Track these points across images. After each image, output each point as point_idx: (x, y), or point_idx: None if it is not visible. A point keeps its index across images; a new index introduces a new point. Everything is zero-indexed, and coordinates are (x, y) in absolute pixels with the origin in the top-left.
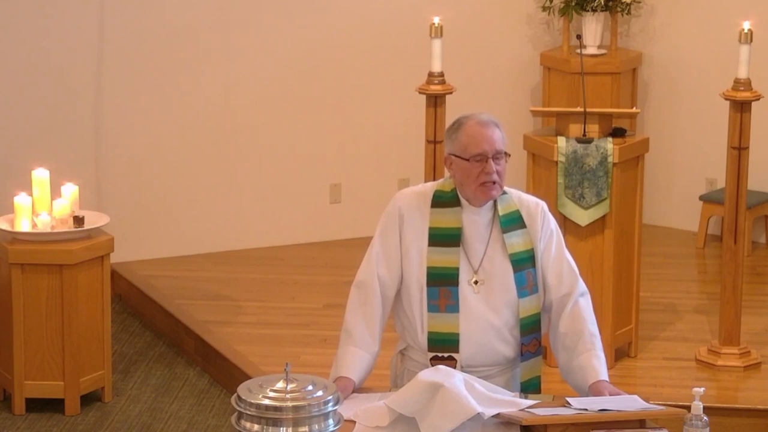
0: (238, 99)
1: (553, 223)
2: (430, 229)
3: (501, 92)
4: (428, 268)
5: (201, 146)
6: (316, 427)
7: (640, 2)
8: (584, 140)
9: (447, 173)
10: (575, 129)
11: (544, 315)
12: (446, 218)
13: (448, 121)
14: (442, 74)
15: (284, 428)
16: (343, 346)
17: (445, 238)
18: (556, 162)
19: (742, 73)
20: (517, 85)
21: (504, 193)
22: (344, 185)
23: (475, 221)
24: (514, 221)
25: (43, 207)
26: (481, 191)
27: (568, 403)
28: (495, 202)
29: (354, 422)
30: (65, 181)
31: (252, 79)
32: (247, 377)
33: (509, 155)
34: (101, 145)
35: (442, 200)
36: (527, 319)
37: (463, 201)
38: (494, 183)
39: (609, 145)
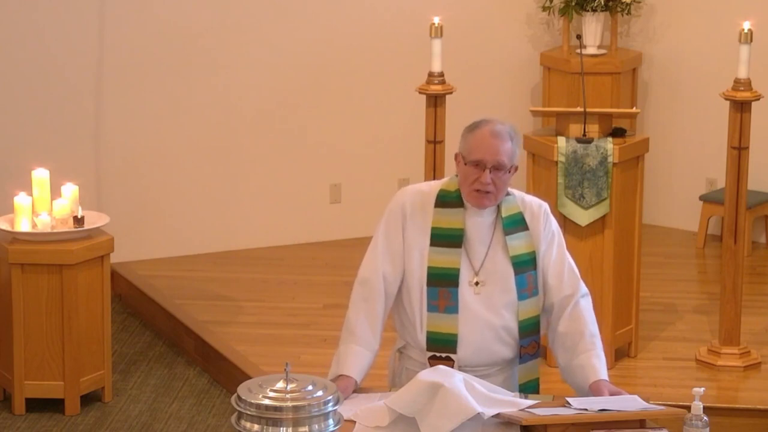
0: (238, 99)
1: (555, 225)
2: (433, 228)
3: (501, 92)
4: (429, 267)
5: (201, 146)
6: (316, 427)
7: (640, 2)
8: (584, 140)
9: (453, 171)
10: (575, 129)
11: (544, 316)
12: (449, 218)
13: (448, 120)
14: (442, 74)
15: (284, 428)
16: (344, 344)
17: (447, 238)
18: (556, 162)
19: (742, 73)
20: (517, 85)
21: (507, 194)
22: (344, 185)
23: (478, 222)
24: (516, 223)
25: (43, 207)
26: (473, 197)
27: (568, 403)
28: (498, 204)
29: (354, 422)
30: (65, 181)
31: (252, 79)
32: (247, 377)
33: (515, 168)
34: (101, 145)
35: (447, 200)
36: (526, 321)
37: (466, 202)
38: (488, 192)
39: (609, 145)
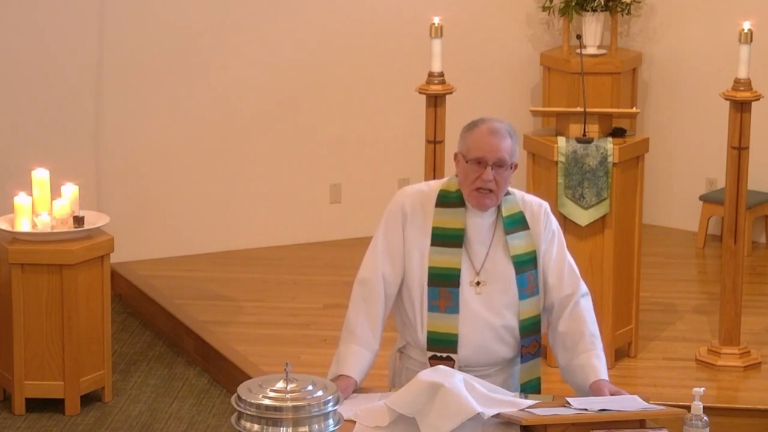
0: (238, 99)
1: (555, 224)
2: (434, 228)
3: (501, 92)
4: (430, 268)
5: (201, 146)
6: (316, 427)
7: (640, 2)
8: (584, 140)
9: (453, 171)
10: (575, 129)
11: (544, 316)
12: (450, 218)
13: (448, 120)
14: (442, 74)
15: (284, 428)
16: (344, 344)
17: (447, 238)
18: (556, 162)
19: (742, 73)
20: (517, 85)
21: (507, 193)
22: (344, 185)
23: (478, 223)
24: (517, 223)
25: (43, 207)
26: (474, 197)
27: (568, 403)
28: (499, 203)
29: (354, 422)
30: (65, 181)
31: (252, 79)
32: (247, 377)
33: (515, 166)
34: (101, 145)
35: (447, 200)
36: (527, 321)
37: (467, 203)
38: (490, 192)
39: (609, 145)
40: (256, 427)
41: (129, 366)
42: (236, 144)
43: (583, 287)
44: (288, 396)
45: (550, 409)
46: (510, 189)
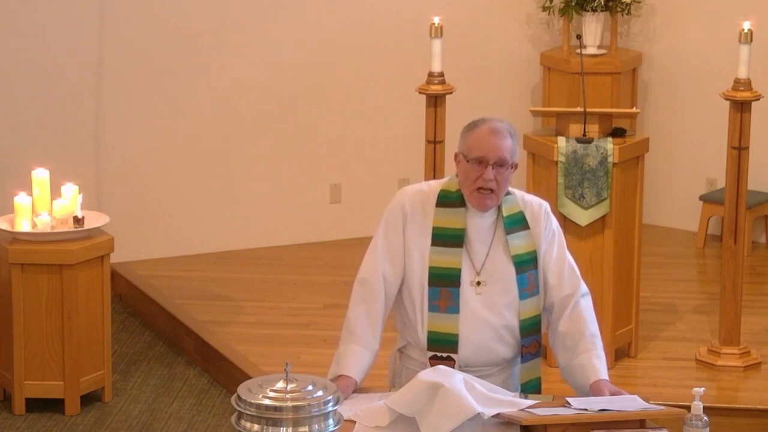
0: (238, 99)
1: (555, 224)
2: (434, 228)
3: (501, 92)
4: (430, 268)
5: (201, 146)
6: (316, 427)
7: (640, 2)
8: (584, 140)
9: (453, 171)
10: (575, 129)
11: (544, 315)
12: (450, 218)
13: (448, 120)
14: (442, 74)
15: (284, 428)
16: (344, 344)
17: (448, 238)
18: (556, 162)
19: (742, 73)
20: (517, 85)
21: (508, 193)
22: (344, 185)
23: (478, 222)
24: (517, 222)
25: (43, 207)
26: (475, 197)
27: (568, 403)
28: (499, 203)
29: (354, 422)
30: (65, 181)
31: (252, 79)
32: (247, 377)
33: (516, 166)
34: (101, 145)
35: (448, 200)
36: (528, 321)
37: (468, 203)
38: (491, 191)
39: (609, 145)
40: (256, 427)
41: (129, 366)
42: (236, 144)
43: (584, 287)
44: (288, 396)
45: (550, 409)
46: (510, 189)
